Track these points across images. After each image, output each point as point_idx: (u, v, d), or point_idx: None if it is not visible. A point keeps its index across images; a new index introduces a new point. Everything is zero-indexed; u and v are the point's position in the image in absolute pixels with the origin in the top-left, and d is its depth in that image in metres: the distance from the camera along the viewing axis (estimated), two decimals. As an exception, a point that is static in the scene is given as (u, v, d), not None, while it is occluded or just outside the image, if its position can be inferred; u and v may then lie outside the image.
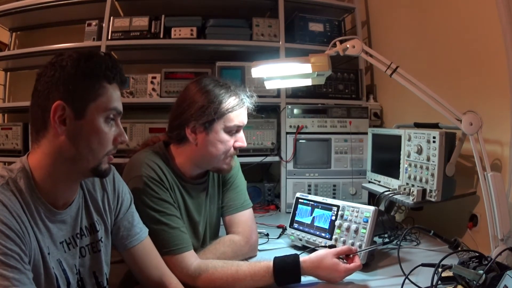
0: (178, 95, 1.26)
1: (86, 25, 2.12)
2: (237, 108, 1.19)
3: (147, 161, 1.16)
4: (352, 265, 1.10)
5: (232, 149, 1.21)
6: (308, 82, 1.53)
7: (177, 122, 1.20)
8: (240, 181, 1.40)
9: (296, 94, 2.10)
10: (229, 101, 1.18)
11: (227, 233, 1.33)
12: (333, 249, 1.13)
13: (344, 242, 1.23)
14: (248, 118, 1.25)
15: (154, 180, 1.12)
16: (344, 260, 1.14)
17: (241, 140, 1.23)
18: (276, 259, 1.09)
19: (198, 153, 1.20)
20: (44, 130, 0.78)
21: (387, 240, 1.48)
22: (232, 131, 1.20)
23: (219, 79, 1.25)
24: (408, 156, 1.44)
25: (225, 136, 1.19)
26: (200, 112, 1.16)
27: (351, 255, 1.15)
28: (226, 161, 1.23)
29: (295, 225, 1.41)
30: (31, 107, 0.80)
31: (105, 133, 0.82)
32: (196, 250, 1.17)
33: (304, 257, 1.11)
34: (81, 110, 0.78)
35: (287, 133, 2.03)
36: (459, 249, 1.26)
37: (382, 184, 1.66)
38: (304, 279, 1.10)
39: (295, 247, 1.42)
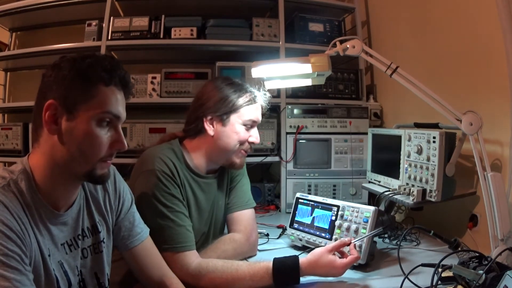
0: (198, 91, 1.32)
1: (86, 25, 2.12)
2: (252, 103, 1.24)
3: (161, 155, 1.17)
4: (348, 258, 1.10)
5: (246, 143, 1.25)
6: (308, 82, 1.53)
7: (196, 114, 1.25)
8: (246, 180, 1.43)
9: (296, 94, 2.10)
10: (246, 96, 1.24)
11: (229, 231, 1.35)
12: (328, 246, 1.13)
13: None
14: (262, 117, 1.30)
15: (166, 175, 1.14)
16: (340, 255, 1.14)
17: (255, 135, 1.27)
18: (275, 260, 1.09)
19: (214, 144, 1.24)
20: (40, 129, 0.79)
21: (387, 238, 1.49)
22: (247, 125, 1.24)
23: (236, 79, 1.30)
24: (408, 156, 1.44)
25: (241, 128, 1.23)
26: (219, 105, 1.22)
27: (348, 250, 1.14)
28: (239, 155, 1.27)
29: (295, 225, 1.41)
30: (34, 107, 0.80)
31: (97, 137, 0.79)
32: (199, 243, 1.19)
33: (302, 258, 1.11)
34: (73, 110, 0.77)
35: (287, 133, 2.03)
36: (459, 249, 1.26)
37: (382, 184, 1.66)
38: (303, 279, 1.10)
39: (295, 247, 1.42)
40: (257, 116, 1.27)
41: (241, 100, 1.23)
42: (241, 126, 1.23)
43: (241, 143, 1.24)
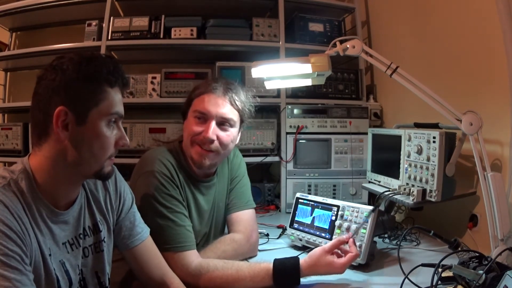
0: None
1: (86, 25, 2.11)
2: (201, 94, 1.21)
3: (160, 157, 1.18)
4: (347, 257, 1.10)
5: (201, 137, 1.17)
6: (308, 82, 1.53)
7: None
8: (246, 181, 1.43)
9: (296, 94, 2.10)
10: (199, 89, 1.23)
11: (229, 231, 1.35)
12: (324, 246, 1.12)
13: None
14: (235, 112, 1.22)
15: (166, 176, 1.14)
16: (341, 253, 1.14)
17: (206, 130, 1.17)
18: (276, 262, 1.09)
19: (184, 140, 1.25)
20: (46, 134, 0.78)
21: (387, 238, 1.49)
22: (197, 117, 1.20)
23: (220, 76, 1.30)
24: (408, 156, 1.44)
25: (191, 121, 1.21)
26: (184, 103, 1.27)
27: (348, 245, 1.14)
28: (196, 150, 1.19)
29: (295, 225, 1.41)
30: (32, 111, 0.79)
31: (107, 138, 0.81)
32: (200, 244, 1.19)
33: (301, 259, 1.11)
34: (83, 115, 0.78)
35: (287, 133, 2.03)
36: (459, 249, 1.26)
37: (382, 184, 1.66)
38: (304, 279, 1.10)
39: (295, 247, 1.42)
40: (205, 107, 1.18)
41: (193, 94, 1.24)
42: (193, 119, 1.21)
43: (193, 135, 1.19)
